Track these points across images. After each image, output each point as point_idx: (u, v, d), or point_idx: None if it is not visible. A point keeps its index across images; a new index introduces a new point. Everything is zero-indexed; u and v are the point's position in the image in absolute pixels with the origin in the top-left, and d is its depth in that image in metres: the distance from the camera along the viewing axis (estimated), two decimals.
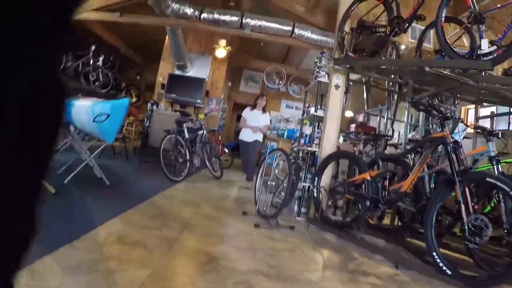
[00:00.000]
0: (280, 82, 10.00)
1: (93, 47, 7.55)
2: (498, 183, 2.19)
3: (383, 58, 3.63)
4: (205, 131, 5.96)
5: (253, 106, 5.78)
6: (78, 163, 3.60)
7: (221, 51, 8.43)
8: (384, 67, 3.58)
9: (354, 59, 3.56)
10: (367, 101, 4.87)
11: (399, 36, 3.34)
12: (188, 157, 5.28)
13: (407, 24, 3.16)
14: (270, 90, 10.33)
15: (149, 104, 7.09)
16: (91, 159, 3.62)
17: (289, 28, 5.77)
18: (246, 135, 5.72)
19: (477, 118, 4.06)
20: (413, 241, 3.15)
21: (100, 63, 7.84)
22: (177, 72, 8.50)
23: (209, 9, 5.78)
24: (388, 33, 3.25)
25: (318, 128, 4.15)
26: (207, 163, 6.05)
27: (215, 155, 6.25)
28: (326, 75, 3.99)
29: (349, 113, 6.36)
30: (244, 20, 5.75)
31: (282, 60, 10.19)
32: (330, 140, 3.79)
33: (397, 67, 3.61)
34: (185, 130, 5.51)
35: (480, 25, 2.75)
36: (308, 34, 5.75)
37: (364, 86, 4.82)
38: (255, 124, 5.67)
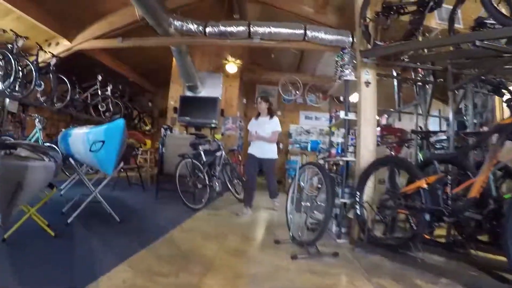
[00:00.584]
0: (297, 92, 9.54)
1: (99, 77, 7.35)
2: None
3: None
4: (223, 152, 5.56)
5: (257, 115, 5.01)
6: (85, 199, 3.24)
7: (232, 66, 8.12)
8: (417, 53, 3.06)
9: (388, 47, 2.98)
10: (398, 98, 4.34)
11: (433, 12, 2.86)
12: (207, 182, 4.83)
13: None
14: (286, 102, 9.92)
15: (162, 130, 6.76)
16: (97, 193, 3.23)
17: (301, 31, 5.39)
18: (255, 149, 4.83)
19: None
20: (479, 254, 2.57)
21: (108, 92, 7.63)
22: (188, 93, 8.23)
23: (213, 22, 5.49)
24: (422, 9, 2.76)
25: (349, 134, 3.62)
26: (229, 186, 5.65)
27: (236, 177, 5.85)
28: (352, 73, 3.50)
29: None
30: (252, 29, 5.41)
31: (296, 69, 9.77)
32: (368, 146, 3.20)
33: (434, 50, 3.08)
34: (202, 153, 5.08)
35: None
36: (321, 35, 5.39)
37: (395, 81, 4.27)
38: (261, 133, 4.79)
